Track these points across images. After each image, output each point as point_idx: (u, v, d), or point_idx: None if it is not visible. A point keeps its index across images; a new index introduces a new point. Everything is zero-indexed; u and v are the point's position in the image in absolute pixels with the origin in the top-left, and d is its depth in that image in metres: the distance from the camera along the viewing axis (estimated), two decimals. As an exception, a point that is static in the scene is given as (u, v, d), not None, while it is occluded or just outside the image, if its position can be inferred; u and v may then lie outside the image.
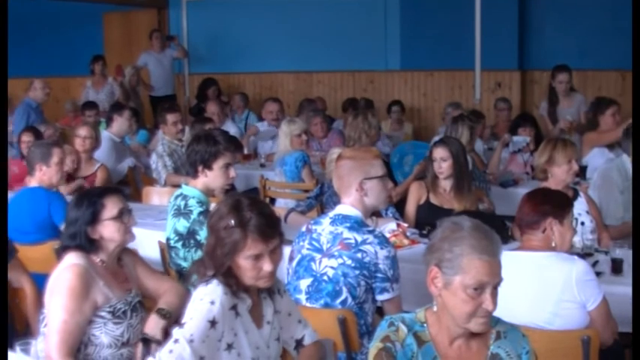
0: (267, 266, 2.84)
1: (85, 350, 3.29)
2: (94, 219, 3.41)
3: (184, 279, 4.34)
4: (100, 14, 14.29)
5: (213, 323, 2.73)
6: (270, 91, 12.75)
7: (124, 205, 3.51)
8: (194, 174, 4.61)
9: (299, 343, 3.17)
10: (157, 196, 6.80)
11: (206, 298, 2.77)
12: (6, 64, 5.60)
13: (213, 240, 2.85)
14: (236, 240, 2.80)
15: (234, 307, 2.82)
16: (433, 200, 5.47)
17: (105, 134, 7.87)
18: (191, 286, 3.12)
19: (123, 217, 3.47)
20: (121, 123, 8.14)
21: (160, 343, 3.20)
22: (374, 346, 2.57)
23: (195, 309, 2.76)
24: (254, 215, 2.82)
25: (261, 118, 10.26)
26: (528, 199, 3.80)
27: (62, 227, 5.06)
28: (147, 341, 3.30)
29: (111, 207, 3.45)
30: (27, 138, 7.61)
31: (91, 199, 3.47)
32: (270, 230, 2.86)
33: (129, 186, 7.53)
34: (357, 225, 3.73)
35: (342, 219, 3.76)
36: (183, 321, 2.75)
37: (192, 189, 4.57)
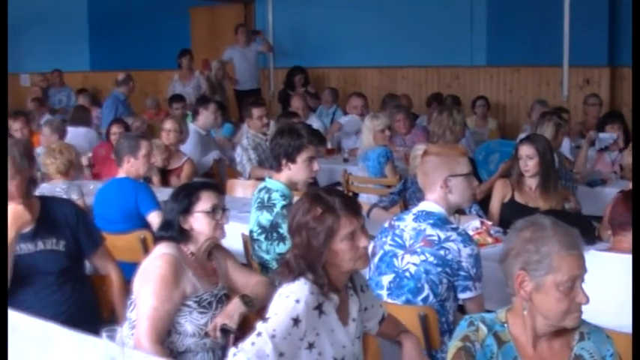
0: (363, 241, 2.87)
1: (169, 338, 3.35)
2: (187, 209, 3.50)
3: (267, 272, 4.39)
4: (187, 9, 14.51)
5: (296, 321, 2.74)
6: (354, 86, 12.73)
7: (219, 202, 3.58)
8: (278, 167, 4.64)
9: (382, 320, 3.22)
10: (241, 188, 6.87)
11: (292, 296, 2.78)
12: (6, 65, 5.73)
13: (304, 235, 2.85)
14: (330, 224, 2.82)
15: (318, 307, 2.83)
16: (518, 198, 5.39)
17: (191, 127, 7.98)
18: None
19: (215, 212, 3.53)
20: (206, 116, 8.24)
21: (236, 333, 3.27)
22: (453, 345, 2.56)
23: (279, 305, 2.78)
24: (336, 197, 2.89)
25: (346, 114, 10.27)
26: (622, 199, 3.71)
27: (149, 216, 5.21)
28: (226, 331, 3.34)
29: (205, 200, 3.52)
30: (117, 129, 7.80)
31: (188, 190, 3.58)
32: (357, 205, 2.96)
33: (214, 178, 7.62)
34: (441, 222, 3.70)
35: (426, 215, 3.73)
36: (267, 316, 2.76)
37: (276, 182, 4.60)
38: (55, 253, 3.79)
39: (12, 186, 3.60)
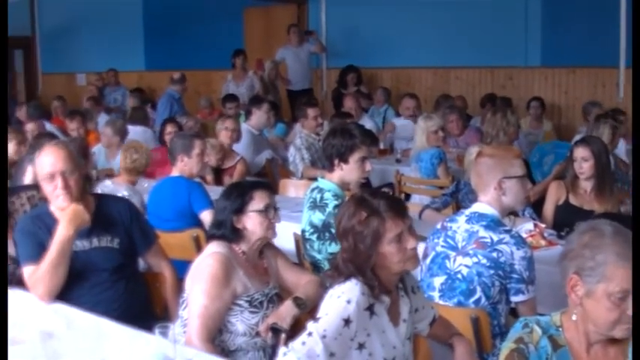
0: (411, 242, 2.86)
1: (221, 337, 3.37)
2: (241, 209, 3.51)
3: (319, 271, 4.40)
4: (241, 9, 14.59)
5: (347, 322, 2.74)
6: (408, 87, 12.66)
7: (271, 202, 3.59)
8: (330, 167, 4.65)
9: (432, 322, 3.21)
10: (294, 188, 6.89)
11: (343, 297, 2.78)
12: (6, 64, 5.79)
13: (351, 240, 2.85)
14: (376, 227, 2.81)
15: (369, 308, 2.82)
16: (572, 201, 5.32)
17: (244, 127, 8.04)
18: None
19: (268, 212, 3.54)
20: (259, 116, 8.29)
21: (287, 333, 3.27)
22: (507, 347, 2.53)
23: (331, 305, 2.78)
24: (381, 200, 2.87)
25: (398, 114, 10.25)
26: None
27: (202, 215, 5.25)
28: (276, 330, 3.35)
29: (258, 200, 3.53)
30: (171, 129, 7.90)
31: (241, 189, 3.59)
32: (403, 207, 2.94)
33: (266, 178, 7.66)
34: (494, 224, 3.67)
35: (479, 217, 3.70)
36: (318, 316, 2.77)
37: (329, 182, 4.61)
38: (109, 251, 3.83)
39: (71, 181, 3.68)
